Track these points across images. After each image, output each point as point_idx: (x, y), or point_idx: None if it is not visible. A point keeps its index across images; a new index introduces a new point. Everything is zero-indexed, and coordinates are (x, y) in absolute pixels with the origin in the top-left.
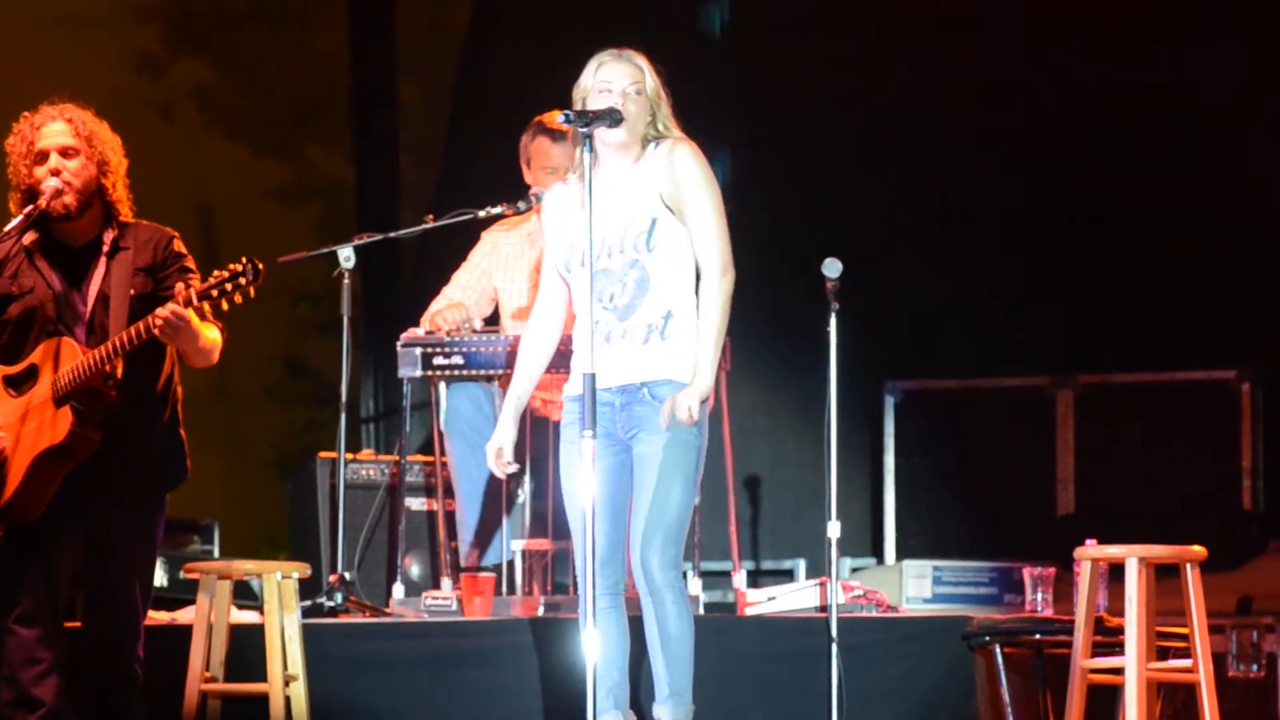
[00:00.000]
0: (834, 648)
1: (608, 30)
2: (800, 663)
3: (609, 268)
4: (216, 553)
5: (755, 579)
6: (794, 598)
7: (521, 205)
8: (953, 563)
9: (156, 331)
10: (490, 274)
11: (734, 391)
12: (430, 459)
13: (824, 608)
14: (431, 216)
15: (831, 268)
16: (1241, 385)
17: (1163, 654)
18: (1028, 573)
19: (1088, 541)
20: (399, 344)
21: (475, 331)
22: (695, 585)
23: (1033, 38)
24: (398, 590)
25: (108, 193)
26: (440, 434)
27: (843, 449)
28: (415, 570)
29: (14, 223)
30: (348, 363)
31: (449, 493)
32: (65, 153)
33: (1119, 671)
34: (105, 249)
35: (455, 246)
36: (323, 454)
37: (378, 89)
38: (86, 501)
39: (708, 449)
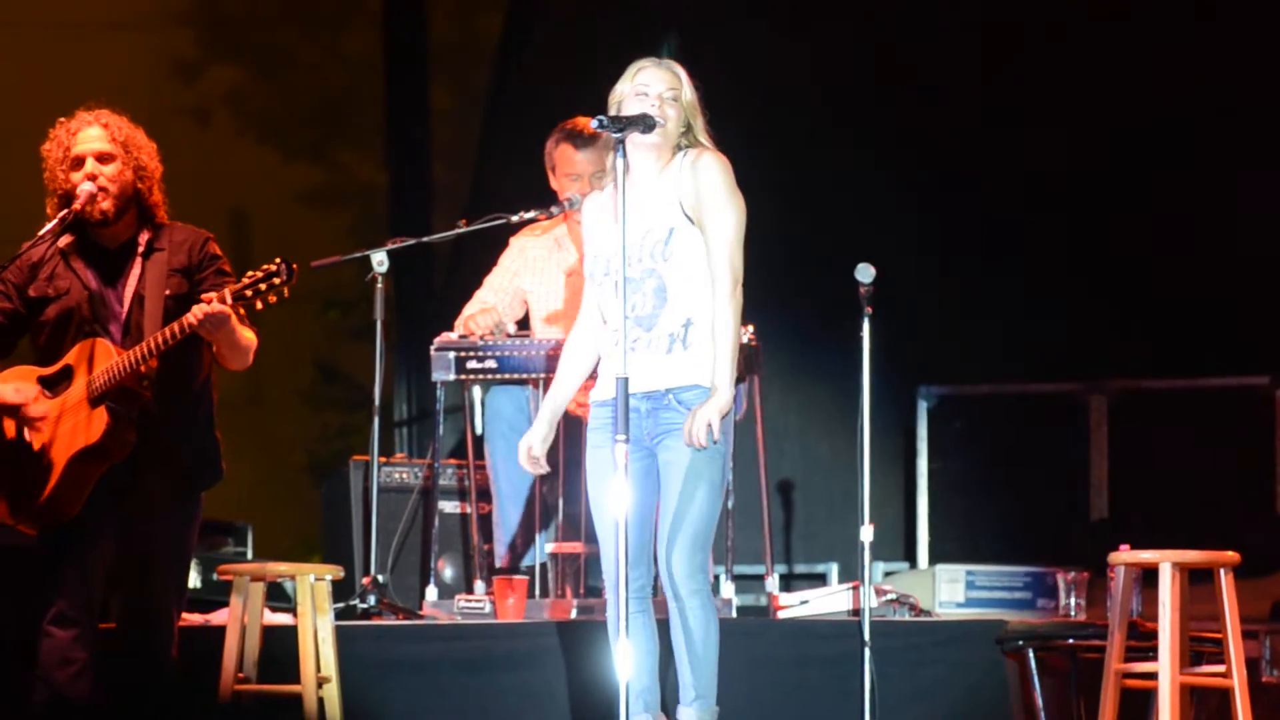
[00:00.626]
0: (867, 651)
1: (642, 34)
2: (833, 666)
3: (631, 276)
4: (250, 555)
5: (788, 583)
6: (827, 601)
7: (554, 210)
8: (986, 567)
9: (198, 323)
10: (519, 276)
11: (767, 396)
12: (463, 462)
13: (857, 611)
14: (464, 221)
15: (864, 273)
16: (1275, 391)
17: (1196, 659)
18: (1061, 577)
19: (1121, 546)
20: (432, 348)
21: (508, 335)
22: (728, 589)
23: (1069, 38)
24: (430, 593)
25: (145, 197)
26: (474, 437)
27: (876, 453)
28: (448, 573)
29: (49, 226)
30: (381, 367)
31: (482, 496)
32: (102, 158)
33: (1152, 676)
34: (141, 250)
35: (488, 251)
36: (356, 457)
37: (411, 94)
38: (122, 502)
39: (741, 454)
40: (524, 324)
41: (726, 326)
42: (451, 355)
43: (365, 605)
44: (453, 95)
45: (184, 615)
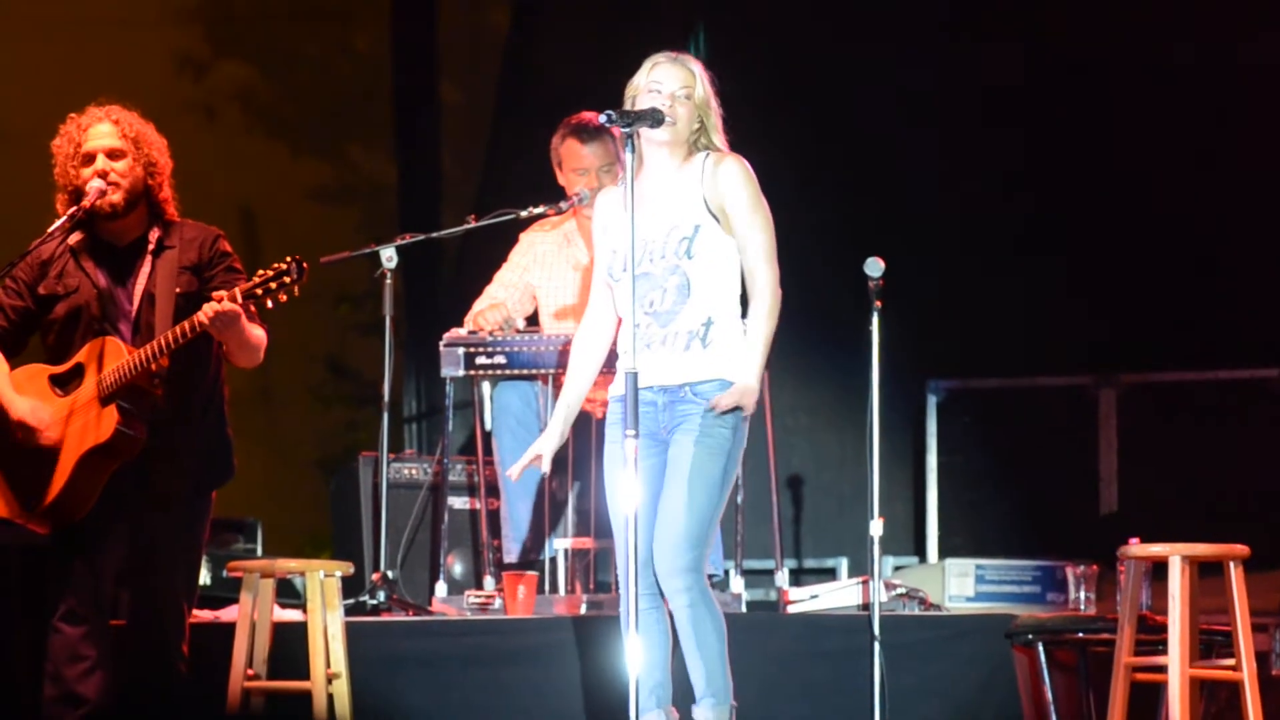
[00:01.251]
0: (877, 646)
1: (651, 30)
2: (843, 661)
3: (650, 272)
4: (260, 551)
5: (798, 577)
6: (836, 596)
7: (563, 205)
8: (995, 561)
9: (208, 322)
10: (528, 272)
11: (776, 390)
12: (473, 458)
13: (866, 606)
14: (474, 217)
15: (873, 267)
16: None
17: (1206, 652)
18: (1071, 571)
19: (1131, 540)
20: (441, 344)
21: (517, 331)
22: (738, 583)
23: (1077, 37)
24: (440, 589)
25: (154, 193)
26: (483, 433)
27: (885, 447)
28: (458, 569)
29: (58, 223)
30: (390, 362)
31: (491, 491)
32: (112, 154)
33: (1162, 670)
34: (151, 247)
35: (497, 247)
36: (365, 453)
37: (419, 89)
38: (132, 500)
39: (750, 448)
40: (533, 319)
41: (765, 321)
42: (461, 351)
43: (375, 601)
44: (462, 91)
45: (194, 612)
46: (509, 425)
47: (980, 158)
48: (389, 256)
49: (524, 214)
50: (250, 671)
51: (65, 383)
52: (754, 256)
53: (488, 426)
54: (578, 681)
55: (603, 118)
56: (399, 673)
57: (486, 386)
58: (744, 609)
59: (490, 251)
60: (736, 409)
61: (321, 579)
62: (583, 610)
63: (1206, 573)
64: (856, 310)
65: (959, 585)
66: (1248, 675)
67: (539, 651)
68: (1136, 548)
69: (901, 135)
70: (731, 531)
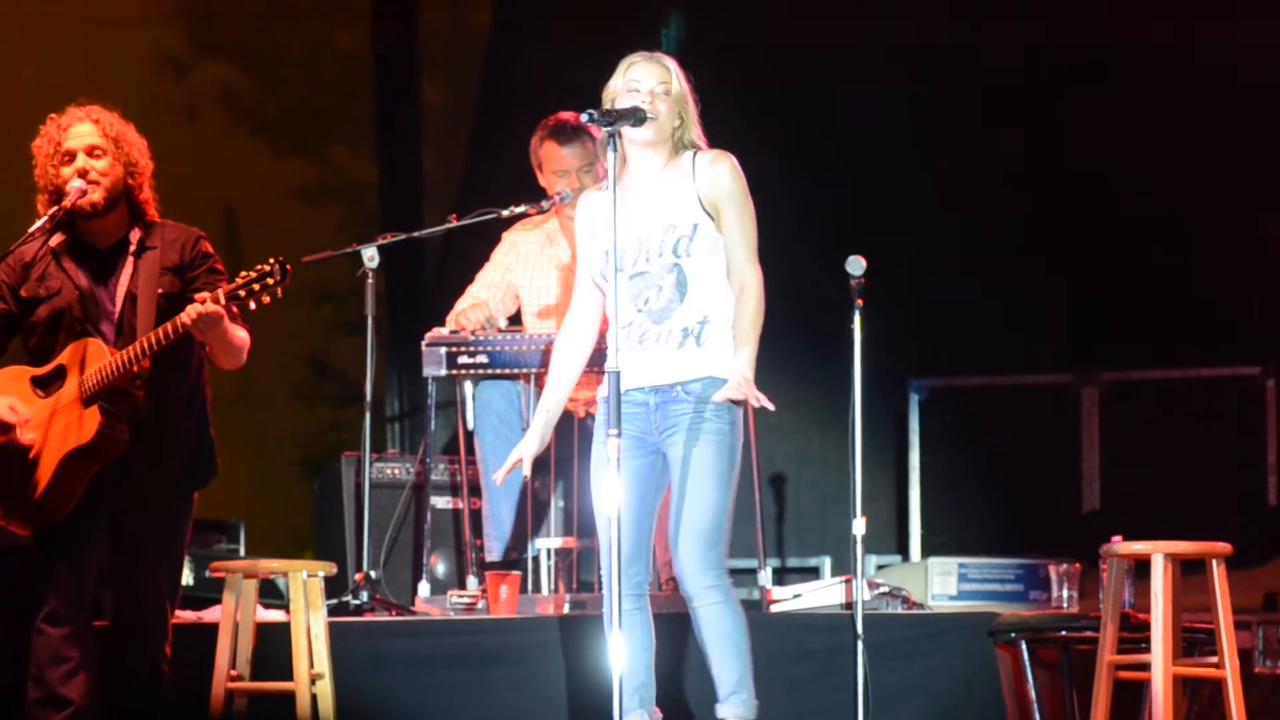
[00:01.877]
0: (860, 644)
1: (631, 27)
2: (826, 660)
3: (646, 270)
4: (242, 552)
5: (780, 576)
6: (819, 595)
7: (545, 205)
8: (978, 559)
9: (190, 324)
10: (510, 271)
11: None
12: (455, 458)
13: (849, 605)
14: (455, 216)
15: (855, 265)
16: (1266, 381)
17: (1189, 650)
18: (1053, 569)
19: (1113, 538)
20: (423, 343)
21: (499, 330)
22: None
23: (1061, 37)
24: (423, 588)
25: (135, 193)
26: (465, 433)
27: (867, 446)
28: (441, 568)
29: (39, 223)
30: (372, 362)
31: (474, 491)
32: (92, 153)
33: (1145, 668)
34: (132, 248)
35: (479, 246)
36: (347, 453)
37: (401, 89)
38: (114, 501)
39: None
40: (516, 319)
41: (751, 310)
42: (443, 350)
43: (358, 601)
44: (443, 90)
45: (177, 612)
46: (491, 424)
47: (963, 156)
48: (371, 256)
49: (506, 213)
50: (233, 672)
51: (47, 384)
52: (742, 253)
53: (470, 426)
54: (561, 681)
55: (584, 117)
56: (382, 673)
57: (469, 386)
58: None
59: (472, 251)
60: (726, 406)
61: (304, 579)
62: (566, 610)
63: (1189, 570)
64: (839, 309)
65: (942, 584)
66: (1230, 673)
67: (522, 651)
68: (1119, 545)
69: (883, 133)
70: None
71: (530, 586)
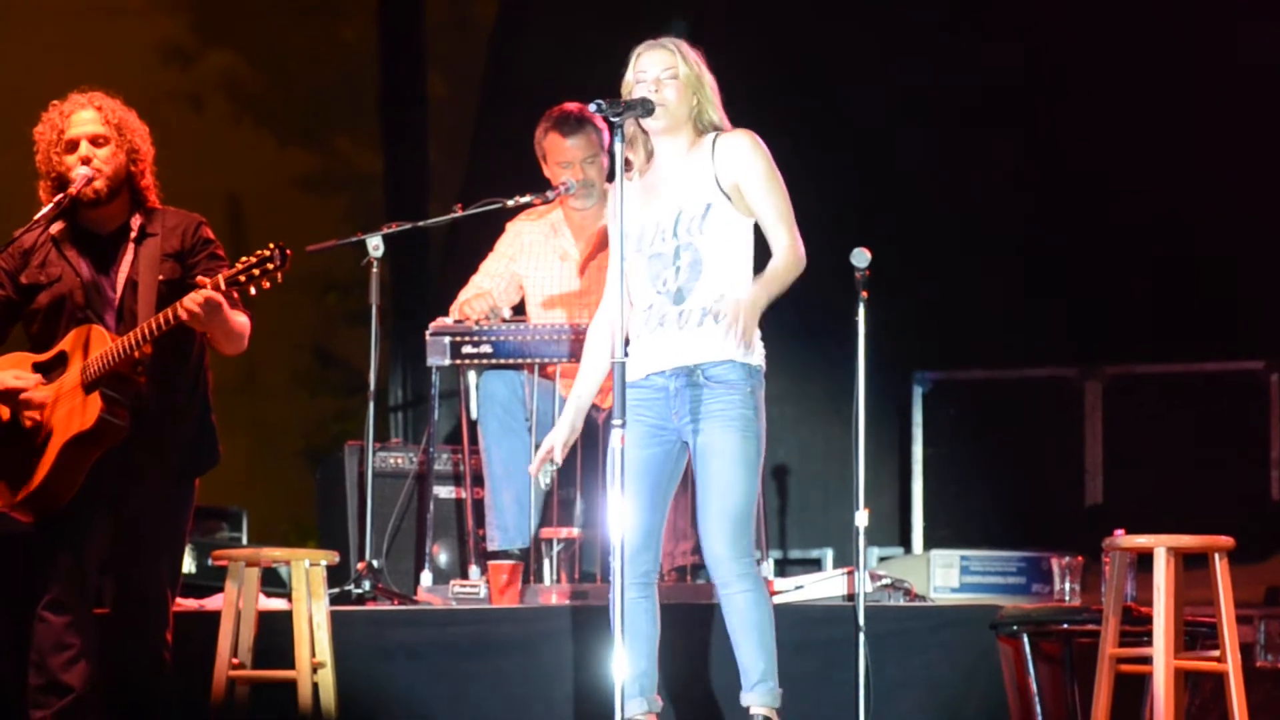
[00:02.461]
0: (861, 637)
1: (637, 18)
2: (828, 651)
3: (662, 252)
4: (245, 540)
5: (783, 568)
6: (822, 587)
7: (549, 195)
8: (981, 552)
9: (186, 317)
10: (515, 261)
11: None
12: (458, 447)
13: (852, 597)
14: (460, 206)
15: (859, 258)
16: (1270, 376)
17: (1191, 644)
18: (1056, 562)
19: (1116, 531)
20: (427, 333)
21: (504, 320)
22: None
23: (1072, 34)
24: (425, 578)
25: (137, 180)
26: (469, 422)
27: (871, 439)
28: (443, 558)
29: (43, 211)
30: (376, 351)
31: (477, 481)
32: (95, 140)
33: (1147, 661)
34: (133, 235)
35: (484, 236)
36: (351, 442)
37: (406, 80)
38: (116, 488)
39: None
40: (520, 309)
41: (782, 265)
42: (447, 340)
43: (360, 590)
44: (448, 80)
45: (178, 600)
46: (495, 413)
47: (968, 151)
48: (375, 245)
49: (510, 203)
50: (235, 661)
51: (49, 370)
52: (773, 221)
53: (474, 416)
54: (564, 670)
55: (592, 107)
56: (384, 662)
57: (472, 375)
58: None
59: (477, 241)
60: (749, 391)
61: (307, 568)
62: (568, 599)
63: (1191, 564)
64: (843, 301)
65: (944, 576)
66: (1233, 667)
67: (525, 640)
68: (1122, 539)
69: (890, 128)
70: None
71: (533, 576)
